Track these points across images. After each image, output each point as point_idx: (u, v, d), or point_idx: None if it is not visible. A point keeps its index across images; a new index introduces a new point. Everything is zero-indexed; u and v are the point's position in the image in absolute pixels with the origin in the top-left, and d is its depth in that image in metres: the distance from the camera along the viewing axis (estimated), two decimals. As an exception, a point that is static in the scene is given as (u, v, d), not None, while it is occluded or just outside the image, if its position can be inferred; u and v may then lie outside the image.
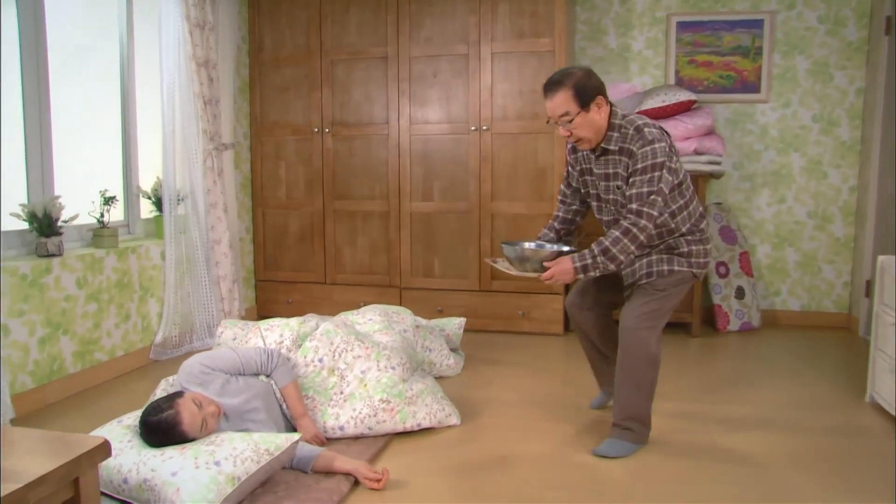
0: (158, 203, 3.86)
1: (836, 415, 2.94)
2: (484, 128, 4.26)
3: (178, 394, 2.31)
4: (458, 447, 2.62)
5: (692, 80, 4.51)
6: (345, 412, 2.68)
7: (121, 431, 2.27)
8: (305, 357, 2.79)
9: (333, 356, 2.79)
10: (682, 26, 4.50)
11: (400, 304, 4.44)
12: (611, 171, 2.50)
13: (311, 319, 3.02)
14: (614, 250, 2.34)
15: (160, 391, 2.72)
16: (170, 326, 3.78)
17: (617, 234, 2.35)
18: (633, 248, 2.35)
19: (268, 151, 4.64)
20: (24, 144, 3.16)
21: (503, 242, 2.62)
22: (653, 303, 2.50)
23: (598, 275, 2.42)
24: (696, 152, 4.11)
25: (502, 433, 2.76)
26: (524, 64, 4.18)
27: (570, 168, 2.72)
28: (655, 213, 2.34)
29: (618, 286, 2.69)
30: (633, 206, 2.36)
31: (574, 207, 2.79)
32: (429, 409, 2.78)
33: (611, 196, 2.53)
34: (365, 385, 2.74)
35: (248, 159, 4.65)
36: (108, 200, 3.46)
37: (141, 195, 3.85)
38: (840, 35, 4.33)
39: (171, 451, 2.12)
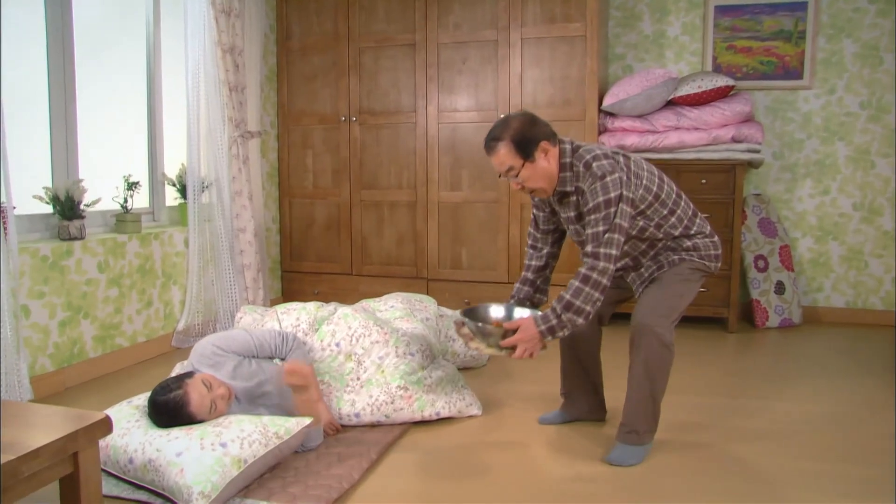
0: (183, 190, 3.84)
1: (880, 417, 2.76)
2: (513, 115, 4.15)
3: (188, 374, 2.26)
4: (477, 438, 2.52)
5: (730, 67, 4.34)
6: (361, 399, 2.60)
7: (129, 411, 2.23)
8: (322, 341, 2.72)
9: (350, 341, 2.72)
10: (721, 10, 4.33)
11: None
12: (573, 213, 2.33)
13: (329, 304, 2.95)
14: (578, 303, 2.16)
15: (174, 374, 2.68)
16: (193, 314, 3.75)
17: (577, 283, 2.17)
18: (597, 294, 2.16)
19: (295, 140, 4.60)
20: (49, 128, 3.16)
21: (463, 311, 2.37)
22: (670, 288, 2.30)
23: (567, 334, 2.23)
24: (734, 140, 3.94)
25: (523, 425, 2.65)
26: (555, 50, 4.07)
27: (535, 210, 2.53)
28: (614, 252, 2.16)
29: (614, 298, 2.53)
30: (589, 248, 2.18)
31: (546, 251, 2.52)
32: (448, 397, 2.69)
33: (582, 238, 2.35)
34: (382, 371, 2.65)
35: (274, 148, 4.62)
36: (132, 186, 3.45)
37: (166, 182, 3.84)
38: (893, 15, 4.11)
39: (177, 432, 2.07)
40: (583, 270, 2.17)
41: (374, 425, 2.58)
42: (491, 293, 4.26)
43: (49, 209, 3.13)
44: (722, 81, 3.92)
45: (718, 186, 3.98)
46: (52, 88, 3.15)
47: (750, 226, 4.27)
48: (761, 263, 4.25)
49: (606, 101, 4.02)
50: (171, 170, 3.88)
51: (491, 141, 2.27)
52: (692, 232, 2.36)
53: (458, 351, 3.28)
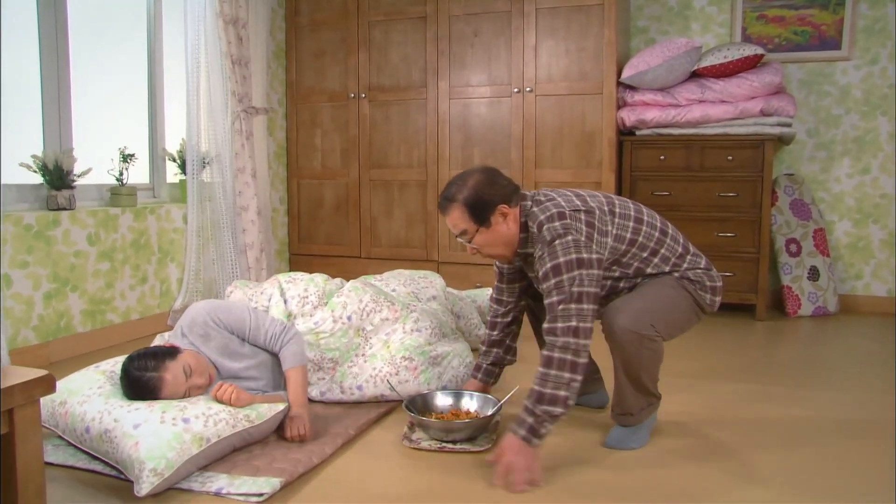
0: (184, 166, 3.72)
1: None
2: (527, 89, 3.95)
3: (172, 354, 2.06)
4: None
5: (761, 38, 4.07)
6: (364, 371, 2.45)
7: (94, 377, 2.09)
8: (333, 312, 2.61)
9: (361, 315, 2.59)
10: (751, -22, 4.07)
11: (436, 280, 4.18)
12: (540, 273, 1.99)
13: (335, 279, 2.83)
14: (548, 391, 1.84)
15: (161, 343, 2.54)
16: (191, 293, 3.62)
17: (541, 370, 1.87)
18: (567, 374, 1.85)
19: (303, 119, 4.47)
20: (41, 98, 3.07)
21: (408, 399, 2.16)
22: (645, 290, 2.07)
23: (552, 428, 1.89)
24: (763, 113, 3.68)
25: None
26: (571, 20, 3.86)
27: (498, 262, 2.28)
28: (574, 324, 1.86)
29: None
30: (546, 323, 1.90)
31: (512, 304, 2.30)
32: (455, 372, 2.52)
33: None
34: (388, 346, 2.51)
35: (283, 127, 4.49)
36: (127, 158, 3.34)
37: (166, 157, 3.73)
38: (936, -19, 3.81)
39: (139, 403, 1.92)
40: (544, 352, 1.90)
41: (377, 399, 2.41)
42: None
43: (40, 180, 3.04)
44: (750, 51, 3.66)
45: (746, 163, 3.72)
46: (43, 58, 3.05)
47: (781, 207, 4.00)
48: (793, 248, 3.97)
49: (625, 73, 3.79)
50: (173, 145, 3.77)
51: (444, 200, 2.04)
52: (683, 268, 2.12)
53: (461, 328, 3.09)
